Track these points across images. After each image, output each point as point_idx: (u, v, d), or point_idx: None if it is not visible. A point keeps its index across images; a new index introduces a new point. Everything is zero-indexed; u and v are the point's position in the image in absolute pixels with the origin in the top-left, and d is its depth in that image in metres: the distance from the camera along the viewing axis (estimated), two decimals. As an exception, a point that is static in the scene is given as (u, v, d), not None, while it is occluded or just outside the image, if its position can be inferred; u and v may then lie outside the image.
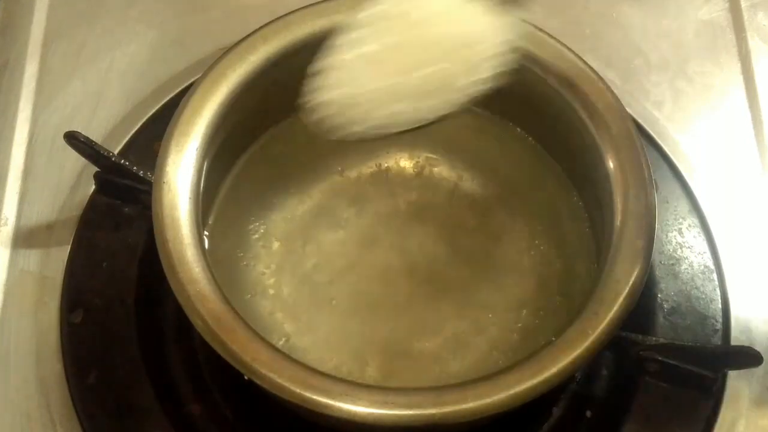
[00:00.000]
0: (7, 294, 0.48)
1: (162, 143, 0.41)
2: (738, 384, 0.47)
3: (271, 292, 0.45)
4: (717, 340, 0.48)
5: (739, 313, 0.49)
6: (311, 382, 0.36)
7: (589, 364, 0.47)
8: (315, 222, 0.48)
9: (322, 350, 0.44)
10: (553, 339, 0.38)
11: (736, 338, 0.48)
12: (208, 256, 0.40)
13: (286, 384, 0.36)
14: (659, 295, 0.48)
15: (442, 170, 0.49)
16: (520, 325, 0.44)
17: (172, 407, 0.45)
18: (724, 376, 0.47)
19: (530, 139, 0.49)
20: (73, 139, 0.47)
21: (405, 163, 0.49)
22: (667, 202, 0.52)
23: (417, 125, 0.40)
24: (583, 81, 0.44)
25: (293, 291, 0.45)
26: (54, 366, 0.46)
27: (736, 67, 0.58)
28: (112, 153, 0.48)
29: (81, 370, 0.45)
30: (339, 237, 0.47)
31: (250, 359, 0.36)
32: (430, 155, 0.49)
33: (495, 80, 0.40)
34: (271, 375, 0.36)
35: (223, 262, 0.45)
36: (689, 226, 0.51)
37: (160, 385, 0.46)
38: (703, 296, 0.49)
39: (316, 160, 0.49)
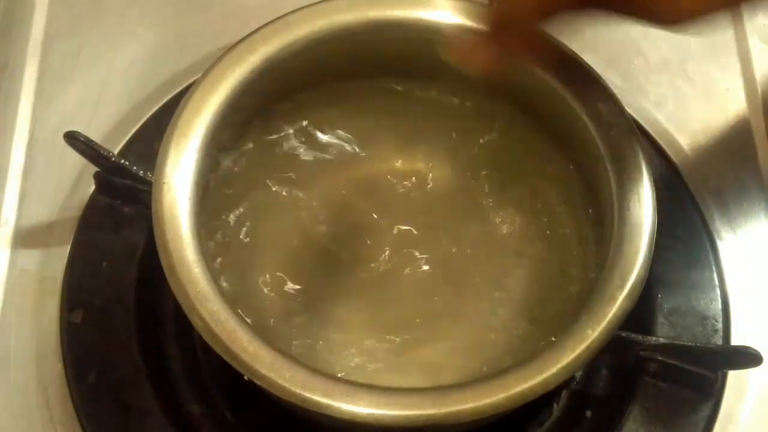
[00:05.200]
0: (7, 294, 0.48)
1: (162, 143, 0.41)
2: (738, 384, 0.47)
3: (272, 291, 0.45)
4: (717, 340, 0.48)
5: (739, 313, 0.49)
6: (311, 383, 0.36)
7: (589, 364, 0.47)
8: (315, 222, 0.47)
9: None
10: (553, 339, 0.38)
11: (736, 338, 0.48)
12: (208, 257, 0.40)
13: (286, 385, 0.36)
14: (659, 295, 0.48)
15: (442, 170, 0.49)
16: (519, 325, 0.44)
17: (172, 407, 0.45)
18: (724, 376, 0.47)
19: (530, 138, 0.49)
20: (73, 139, 0.47)
21: (406, 162, 0.49)
22: (667, 202, 0.52)
23: None
24: (583, 81, 0.44)
25: (293, 288, 0.46)
26: (54, 366, 0.46)
27: (736, 67, 0.58)
28: (112, 153, 0.48)
29: (81, 370, 0.45)
30: (338, 237, 0.47)
31: (250, 360, 0.36)
32: (430, 155, 0.49)
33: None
34: (271, 375, 0.36)
35: (222, 262, 0.45)
36: (689, 226, 0.51)
37: (160, 385, 0.46)
38: (703, 296, 0.49)
39: (317, 159, 0.49)
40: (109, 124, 0.53)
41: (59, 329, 0.47)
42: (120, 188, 0.49)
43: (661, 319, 0.48)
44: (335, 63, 0.47)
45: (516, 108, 0.49)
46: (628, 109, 0.44)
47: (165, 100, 0.54)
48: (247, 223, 0.46)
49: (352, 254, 0.47)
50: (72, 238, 0.49)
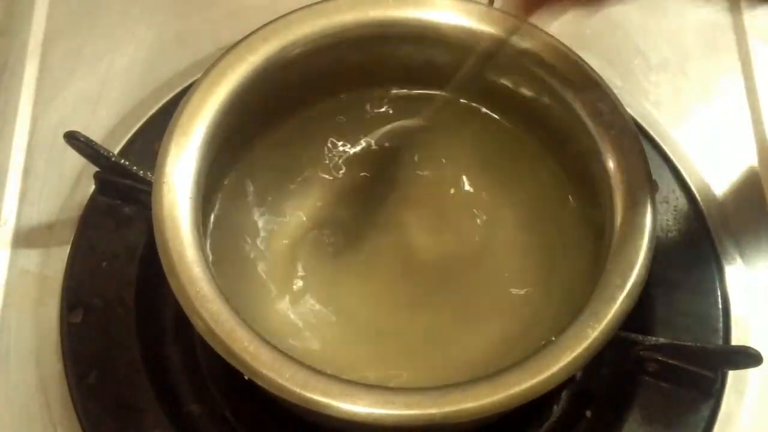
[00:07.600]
0: (7, 294, 0.48)
1: (162, 143, 0.41)
2: (738, 384, 0.47)
3: (273, 292, 0.45)
4: (717, 340, 0.48)
5: (739, 313, 0.49)
6: (311, 382, 0.36)
7: (589, 364, 0.47)
8: (315, 222, 0.47)
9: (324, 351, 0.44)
10: (553, 339, 0.38)
11: (736, 338, 0.48)
12: (208, 257, 0.40)
13: (286, 384, 0.36)
14: (659, 295, 0.48)
15: (442, 169, 0.49)
16: (519, 325, 0.44)
17: (171, 407, 0.45)
18: (724, 376, 0.47)
19: (529, 139, 0.49)
20: (73, 139, 0.47)
21: (406, 163, 0.49)
22: (667, 202, 0.52)
23: None
24: (583, 80, 0.44)
25: (294, 289, 0.45)
26: (54, 366, 0.46)
27: (736, 67, 0.58)
28: (112, 153, 0.48)
29: (81, 370, 0.45)
30: (338, 236, 0.47)
31: (250, 359, 0.36)
32: (430, 154, 0.49)
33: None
34: (271, 375, 0.36)
35: (224, 262, 0.45)
36: (688, 225, 0.51)
37: (159, 385, 0.46)
38: (703, 296, 0.49)
39: (316, 159, 0.49)
40: (109, 124, 0.53)
41: (59, 329, 0.47)
42: (120, 188, 0.49)
43: (661, 319, 0.48)
44: (335, 63, 0.47)
45: (515, 108, 0.49)
46: (628, 109, 0.44)
47: (165, 100, 0.54)
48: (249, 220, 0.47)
49: (360, 249, 0.47)
50: (72, 238, 0.49)
